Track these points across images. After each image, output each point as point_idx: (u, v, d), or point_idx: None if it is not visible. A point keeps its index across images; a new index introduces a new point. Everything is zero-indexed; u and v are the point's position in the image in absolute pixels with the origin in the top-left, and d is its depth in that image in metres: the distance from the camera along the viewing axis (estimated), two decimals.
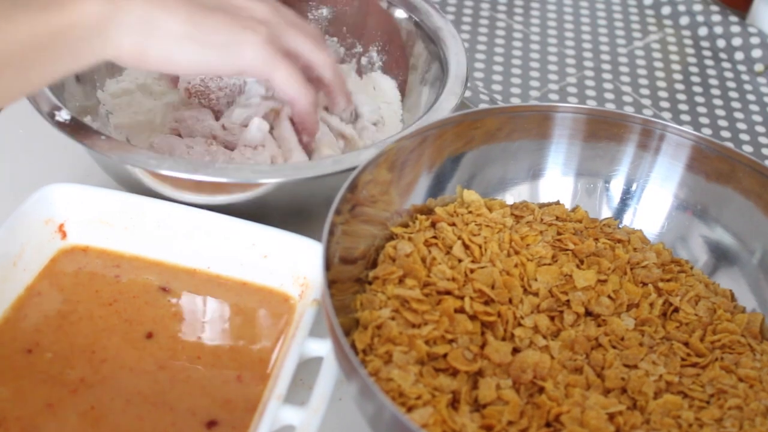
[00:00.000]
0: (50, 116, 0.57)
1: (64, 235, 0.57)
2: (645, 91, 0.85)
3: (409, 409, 0.45)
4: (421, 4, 0.72)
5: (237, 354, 0.53)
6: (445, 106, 0.62)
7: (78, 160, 0.69)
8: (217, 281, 0.57)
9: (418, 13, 0.71)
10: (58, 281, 0.55)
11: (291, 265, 0.55)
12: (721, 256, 0.58)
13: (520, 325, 0.51)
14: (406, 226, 0.56)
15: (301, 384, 0.55)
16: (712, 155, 0.57)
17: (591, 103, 0.82)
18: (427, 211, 0.58)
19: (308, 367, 0.52)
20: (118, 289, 0.56)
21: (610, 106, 0.82)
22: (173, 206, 0.56)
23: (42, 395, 0.49)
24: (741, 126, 0.81)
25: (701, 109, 0.83)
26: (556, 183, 0.61)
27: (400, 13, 0.72)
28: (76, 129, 0.56)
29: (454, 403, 0.47)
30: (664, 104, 0.83)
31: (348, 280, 0.51)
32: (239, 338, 0.54)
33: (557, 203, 0.60)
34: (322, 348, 0.49)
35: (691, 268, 0.58)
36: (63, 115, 0.57)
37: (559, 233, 0.57)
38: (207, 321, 0.55)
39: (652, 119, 0.59)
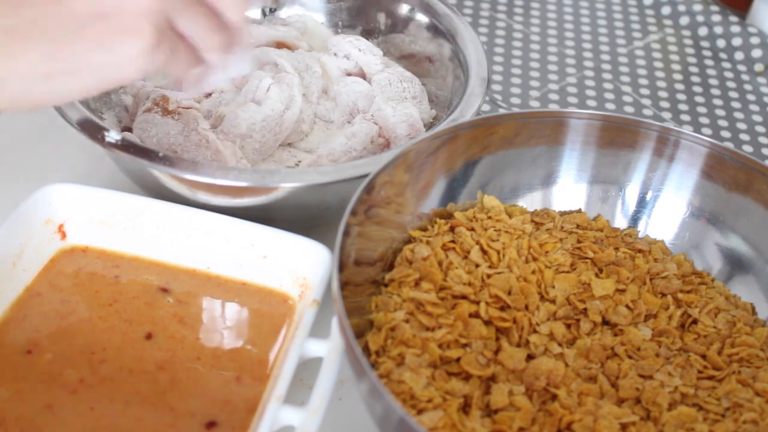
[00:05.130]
0: (101, 139, 0.57)
1: (63, 235, 0.57)
2: (645, 91, 0.84)
3: (419, 412, 0.45)
4: (441, 7, 0.73)
5: (236, 355, 0.53)
6: (472, 103, 0.63)
7: (78, 160, 0.69)
8: (216, 282, 0.57)
9: (438, 16, 0.72)
10: (57, 282, 0.55)
11: (290, 265, 0.55)
12: (736, 266, 0.57)
13: (535, 331, 0.51)
14: (424, 229, 0.56)
15: (301, 384, 0.55)
16: (730, 163, 0.57)
17: (591, 104, 0.82)
18: (447, 216, 0.58)
19: (308, 367, 0.52)
20: (117, 289, 0.56)
21: (610, 107, 0.82)
22: (172, 207, 0.56)
23: (42, 396, 0.49)
24: (741, 126, 0.81)
25: (701, 109, 0.83)
26: (569, 190, 0.61)
27: (419, 16, 0.73)
28: (128, 148, 0.56)
29: (465, 408, 0.47)
30: (664, 104, 0.83)
31: (364, 282, 0.51)
32: (239, 339, 0.54)
33: (579, 211, 0.60)
34: (322, 348, 0.49)
35: (712, 280, 0.57)
36: (113, 136, 0.57)
37: (579, 241, 0.57)
38: (206, 322, 0.55)
39: (668, 126, 0.58)
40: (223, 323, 0.55)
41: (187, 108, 0.63)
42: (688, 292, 0.55)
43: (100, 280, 0.56)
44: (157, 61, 0.48)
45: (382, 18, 0.75)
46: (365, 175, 0.55)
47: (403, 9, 0.74)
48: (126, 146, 0.56)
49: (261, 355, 0.53)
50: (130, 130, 0.64)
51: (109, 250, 0.57)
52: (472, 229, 0.56)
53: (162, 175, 0.57)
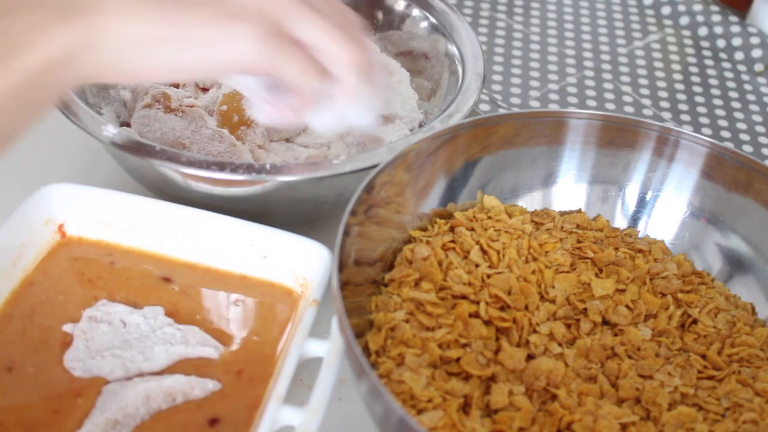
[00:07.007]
0: (97, 133, 0.57)
1: (63, 234, 0.57)
2: (645, 91, 0.84)
3: (419, 412, 0.45)
4: (438, 3, 0.73)
5: (241, 346, 0.53)
6: (468, 98, 0.63)
7: (78, 160, 0.69)
8: (215, 275, 0.57)
9: (435, 12, 0.72)
10: (52, 273, 0.55)
11: (290, 265, 0.55)
12: (736, 266, 0.57)
13: (535, 331, 0.51)
14: (424, 229, 0.56)
15: (301, 384, 0.55)
16: (730, 163, 0.57)
17: (591, 104, 0.82)
18: (447, 216, 0.58)
19: (308, 367, 0.52)
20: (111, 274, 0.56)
21: (610, 107, 0.82)
22: (172, 206, 0.56)
23: (42, 398, 0.49)
24: (741, 126, 0.81)
25: (701, 109, 0.83)
26: (569, 190, 0.61)
27: (416, 12, 0.74)
28: (125, 144, 0.57)
29: (465, 408, 0.47)
30: (664, 104, 0.83)
31: (364, 282, 0.51)
32: (240, 336, 0.54)
33: (579, 211, 0.60)
34: (322, 348, 0.49)
35: (712, 280, 0.57)
36: (110, 130, 0.57)
37: (579, 241, 0.57)
38: (207, 318, 0.55)
39: (668, 126, 0.58)
40: (223, 320, 0.55)
41: (190, 106, 0.64)
42: (688, 292, 0.55)
43: (96, 265, 0.56)
44: (265, 57, 0.45)
45: (379, 15, 0.76)
46: (361, 170, 0.55)
47: (400, 5, 0.74)
48: (123, 140, 0.56)
49: (267, 349, 0.53)
50: (128, 125, 0.65)
51: (108, 246, 0.57)
52: (472, 229, 0.56)
53: (159, 168, 0.57)
